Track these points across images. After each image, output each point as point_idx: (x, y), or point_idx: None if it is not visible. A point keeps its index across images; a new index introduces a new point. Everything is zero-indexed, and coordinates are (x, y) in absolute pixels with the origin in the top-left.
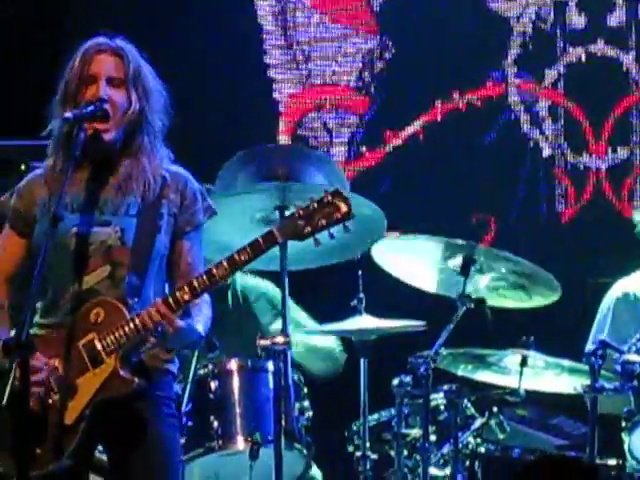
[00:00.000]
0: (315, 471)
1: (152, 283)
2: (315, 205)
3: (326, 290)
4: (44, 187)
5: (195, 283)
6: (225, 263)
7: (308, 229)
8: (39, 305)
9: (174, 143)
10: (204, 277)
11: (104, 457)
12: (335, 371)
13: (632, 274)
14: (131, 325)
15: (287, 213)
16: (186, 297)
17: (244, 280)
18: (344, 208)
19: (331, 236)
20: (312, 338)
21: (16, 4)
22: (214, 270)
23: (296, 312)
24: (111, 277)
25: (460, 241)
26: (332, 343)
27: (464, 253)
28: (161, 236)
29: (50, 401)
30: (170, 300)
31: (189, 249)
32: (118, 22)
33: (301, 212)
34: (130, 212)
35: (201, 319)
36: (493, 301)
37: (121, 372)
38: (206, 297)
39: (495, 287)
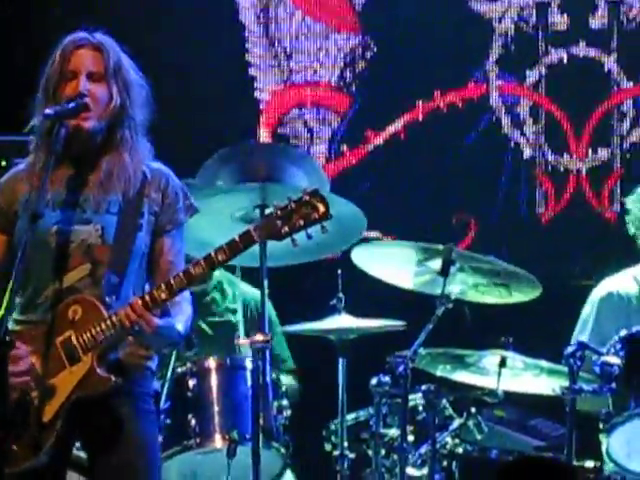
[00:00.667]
0: (288, 476)
1: (132, 281)
2: (293, 205)
3: (305, 289)
4: (26, 183)
5: (172, 282)
6: (203, 262)
7: (285, 229)
8: (18, 301)
9: (156, 140)
10: (182, 276)
11: (82, 454)
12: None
13: (616, 274)
14: (108, 323)
15: (267, 212)
16: (163, 296)
17: (249, 291)
18: (322, 208)
19: (308, 237)
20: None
21: None
22: (192, 269)
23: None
24: (91, 275)
25: (440, 246)
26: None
27: (443, 256)
28: (142, 234)
29: (27, 398)
30: (147, 298)
31: (170, 247)
32: (100, 19)
33: (279, 212)
34: (111, 210)
35: (181, 318)
36: (474, 297)
37: (98, 370)
38: (187, 295)
39: (475, 284)
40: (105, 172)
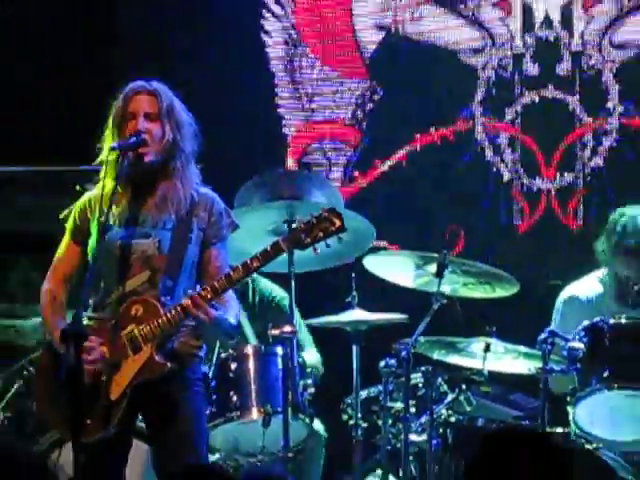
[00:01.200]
0: (318, 425)
1: (183, 285)
2: (314, 220)
3: (325, 289)
4: (96, 205)
5: (216, 284)
6: (241, 268)
7: (308, 240)
8: (90, 302)
9: (202, 168)
10: (224, 279)
11: (142, 424)
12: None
13: (580, 280)
14: (164, 318)
15: (293, 226)
16: (209, 296)
17: (265, 285)
18: (338, 223)
19: (327, 245)
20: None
21: (69, 49)
22: (232, 273)
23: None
24: (150, 280)
25: (435, 254)
26: (315, 361)
27: (438, 261)
28: (191, 246)
29: (98, 381)
30: (209, 289)
31: (216, 256)
32: (150, 69)
33: (302, 226)
34: (166, 227)
35: (232, 312)
36: (463, 294)
37: (156, 357)
38: (232, 294)
39: (464, 283)
40: (160, 196)
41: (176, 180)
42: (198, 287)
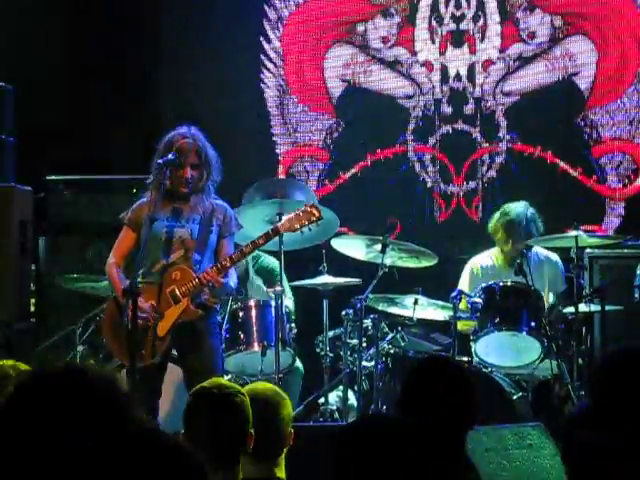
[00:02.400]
0: (298, 363)
1: (207, 260)
2: (301, 212)
3: (304, 261)
4: (146, 206)
5: (233, 256)
6: (251, 244)
7: (297, 226)
8: (142, 270)
9: (222, 180)
10: (238, 252)
11: (175, 352)
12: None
13: (479, 254)
14: (195, 281)
15: (284, 217)
16: (228, 264)
17: (263, 257)
18: (317, 213)
19: (309, 230)
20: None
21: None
22: (244, 248)
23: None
24: (184, 256)
25: (380, 237)
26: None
27: (382, 242)
28: (212, 235)
29: (149, 324)
30: (219, 266)
31: (227, 245)
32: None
33: (293, 216)
34: (195, 222)
35: (232, 279)
36: (400, 264)
37: (191, 307)
38: (233, 268)
39: (400, 257)
40: (192, 204)
41: (204, 196)
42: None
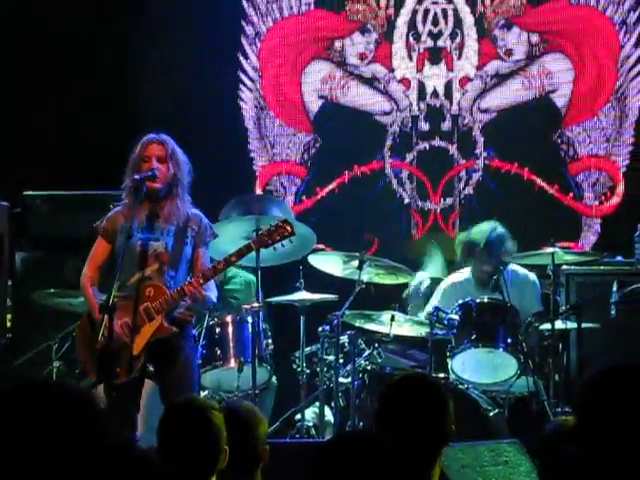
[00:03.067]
0: (273, 381)
1: (182, 274)
2: (273, 228)
3: (282, 277)
4: (121, 216)
5: (207, 272)
6: (223, 261)
7: (270, 242)
8: (117, 284)
9: (194, 195)
10: (212, 269)
11: (151, 368)
12: None
13: (457, 271)
14: (168, 297)
15: (259, 232)
16: (202, 281)
17: (241, 272)
18: (290, 229)
19: (282, 245)
20: None
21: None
22: (217, 265)
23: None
24: (159, 270)
25: (357, 254)
26: None
27: (359, 259)
28: (187, 247)
29: (124, 341)
30: (195, 282)
31: (202, 256)
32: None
33: (265, 232)
34: (170, 234)
35: (213, 294)
36: (376, 280)
37: (164, 324)
38: (212, 281)
39: (377, 273)
40: (166, 213)
41: (177, 202)
42: (188, 277)
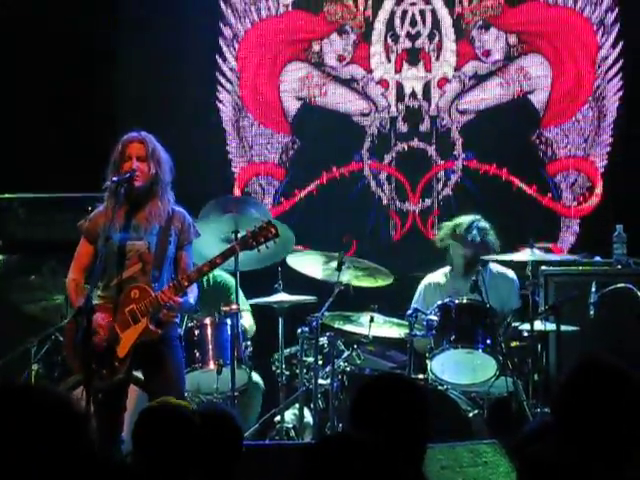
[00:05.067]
0: (258, 379)
1: (165, 274)
2: (257, 229)
3: (261, 279)
4: (103, 217)
5: (191, 275)
6: (208, 264)
7: (254, 243)
8: (100, 285)
9: (176, 193)
10: (195, 271)
11: (139, 374)
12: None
13: (433, 272)
14: (153, 299)
15: (239, 234)
16: (185, 283)
17: (218, 274)
18: (274, 231)
19: (267, 247)
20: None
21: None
22: (202, 267)
23: (242, 300)
24: (142, 270)
25: (336, 254)
26: (249, 323)
27: (338, 260)
28: (171, 246)
29: (109, 343)
30: (177, 284)
31: (186, 254)
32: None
33: (249, 234)
34: (153, 233)
35: (192, 295)
36: (356, 282)
37: (150, 326)
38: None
39: (356, 275)
40: (148, 212)
41: (158, 201)
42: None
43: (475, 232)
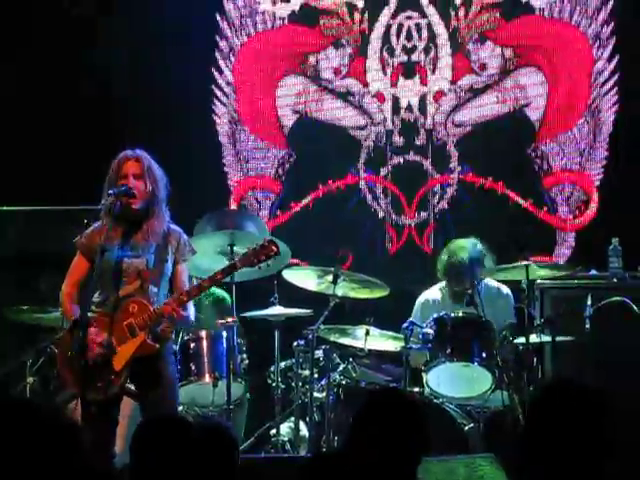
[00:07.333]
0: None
1: (162, 291)
2: (259, 247)
3: (257, 292)
4: (99, 233)
5: (192, 290)
6: (208, 280)
7: (255, 261)
8: (95, 300)
9: (173, 210)
10: (197, 287)
11: (132, 387)
12: None
13: (430, 288)
14: (152, 314)
15: (235, 248)
16: (185, 299)
17: (216, 289)
18: (275, 249)
19: (267, 265)
20: None
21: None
22: (203, 283)
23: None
24: (141, 287)
25: (331, 268)
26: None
27: (333, 273)
28: (168, 264)
29: (104, 358)
30: (178, 300)
31: (182, 272)
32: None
33: (251, 251)
34: (150, 251)
35: (191, 312)
36: (351, 295)
37: (147, 340)
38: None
39: (352, 288)
40: (144, 231)
41: (155, 219)
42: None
43: (472, 267)
